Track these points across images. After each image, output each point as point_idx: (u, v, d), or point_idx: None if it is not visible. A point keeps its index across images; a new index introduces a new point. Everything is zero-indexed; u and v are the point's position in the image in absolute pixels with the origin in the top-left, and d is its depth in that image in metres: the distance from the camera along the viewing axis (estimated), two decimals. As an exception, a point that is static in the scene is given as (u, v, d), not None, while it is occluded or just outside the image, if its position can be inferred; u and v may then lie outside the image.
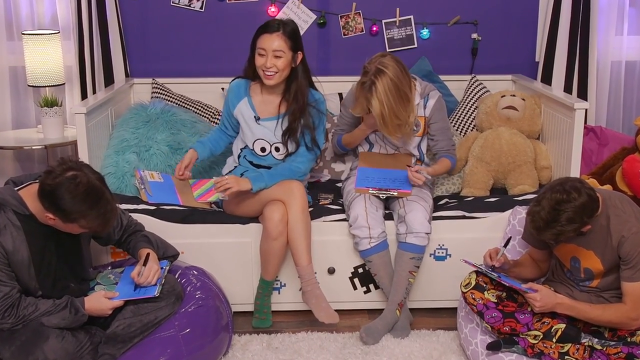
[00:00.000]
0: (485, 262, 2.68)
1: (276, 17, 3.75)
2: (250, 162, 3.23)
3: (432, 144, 3.28)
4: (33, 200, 2.37)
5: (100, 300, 2.51)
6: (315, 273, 3.14)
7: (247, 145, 3.21)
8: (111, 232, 2.70)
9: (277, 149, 3.18)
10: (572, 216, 2.38)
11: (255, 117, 3.16)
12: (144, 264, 2.60)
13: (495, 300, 2.64)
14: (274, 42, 3.01)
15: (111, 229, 2.66)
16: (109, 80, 3.97)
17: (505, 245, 2.74)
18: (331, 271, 3.18)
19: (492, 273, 2.58)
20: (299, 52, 3.08)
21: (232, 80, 3.25)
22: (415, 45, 4.05)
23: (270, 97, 3.17)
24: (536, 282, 2.75)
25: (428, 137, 3.28)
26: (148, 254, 2.64)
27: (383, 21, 4.04)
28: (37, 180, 2.38)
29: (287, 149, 3.16)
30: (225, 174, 3.28)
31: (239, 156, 3.26)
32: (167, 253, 2.78)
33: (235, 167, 3.27)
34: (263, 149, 3.18)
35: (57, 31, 3.91)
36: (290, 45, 3.04)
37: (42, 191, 2.32)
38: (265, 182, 3.03)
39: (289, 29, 3.05)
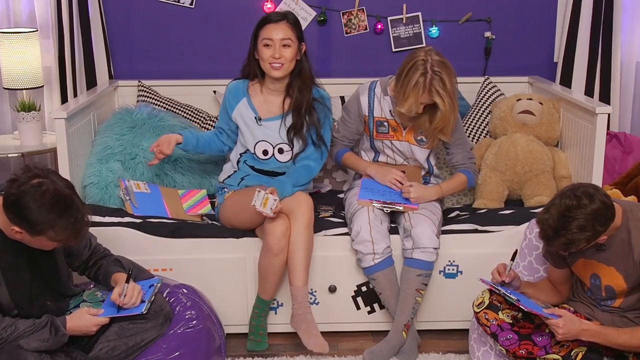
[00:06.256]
0: (494, 278, 2.68)
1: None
2: (252, 167, 3.26)
3: (448, 158, 3.32)
4: None
5: (83, 317, 2.52)
6: (315, 291, 3.17)
7: (247, 150, 3.25)
8: (80, 250, 2.71)
9: (280, 151, 3.22)
10: (582, 224, 2.35)
11: (256, 117, 3.21)
12: (127, 282, 2.59)
13: (511, 321, 2.65)
14: (281, 31, 3.10)
15: (83, 241, 2.66)
16: (91, 82, 4.00)
17: (513, 259, 2.73)
18: (332, 289, 3.20)
19: (511, 296, 2.56)
20: (303, 43, 3.17)
21: (230, 83, 3.30)
22: (424, 45, 4.06)
23: (272, 96, 3.22)
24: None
25: (444, 150, 3.33)
26: (129, 274, 2.62)
27: (389, 18, 4.07)
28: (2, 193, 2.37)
29: (293, 148, 3.20)
30: (223, 180, 3.31)
31: (238, 161, 3.29)
32: (140, 278, 2.76)
33: (235, 171, 3.30)
34: (265, 152, 3.22)
35: (35, 29, 3.93)
36: (297, 35, 3.14)
37: (6, 201, 2.31)
38: (292, 185, 3.08)
39: (293, 18, 3.16)
